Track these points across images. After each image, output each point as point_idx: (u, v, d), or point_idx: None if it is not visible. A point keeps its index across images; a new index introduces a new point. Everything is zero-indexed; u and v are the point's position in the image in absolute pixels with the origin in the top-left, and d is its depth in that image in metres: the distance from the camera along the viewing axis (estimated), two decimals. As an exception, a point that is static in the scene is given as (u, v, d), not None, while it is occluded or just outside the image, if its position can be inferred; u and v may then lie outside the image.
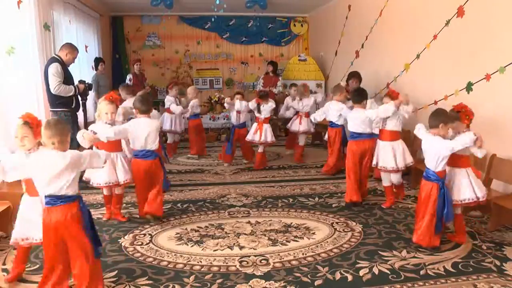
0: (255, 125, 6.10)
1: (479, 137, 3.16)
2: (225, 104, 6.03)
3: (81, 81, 5.29)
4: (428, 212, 3.31)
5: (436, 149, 3.26)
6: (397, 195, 4.58)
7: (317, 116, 5.72)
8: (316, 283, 2.89)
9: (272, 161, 6.63)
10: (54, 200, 2.56)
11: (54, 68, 4.80)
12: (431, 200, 3.29)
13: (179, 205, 4.56)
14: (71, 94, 4.95)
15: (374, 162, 4.45)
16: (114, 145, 3.96)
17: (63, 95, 4.88)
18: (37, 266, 3.12)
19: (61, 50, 5.04)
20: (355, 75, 6.33)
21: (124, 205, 4.43)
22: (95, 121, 3.95)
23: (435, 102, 5.07)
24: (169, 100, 6.63)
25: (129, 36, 9.91)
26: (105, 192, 4.10)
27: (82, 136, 3.49)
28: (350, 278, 2.96)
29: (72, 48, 5.06)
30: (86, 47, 7.36)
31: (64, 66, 4.97)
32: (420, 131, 3.50)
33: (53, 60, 4.93)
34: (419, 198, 3.44)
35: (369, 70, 6.87)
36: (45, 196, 2.58)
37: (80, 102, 5.30)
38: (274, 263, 3.18)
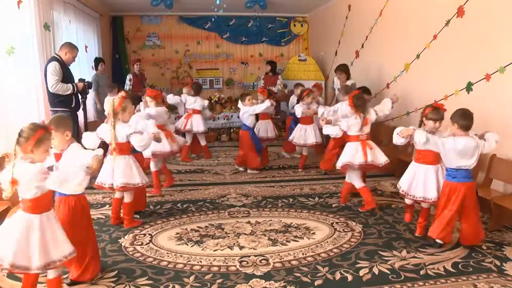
0: (269, 122, 6.25)
1: None
2: (263, 107, 5.76)
3: (80, 80, 5.31)
4: (478, 209, 3.34)
5: (479, 148, 3.25)
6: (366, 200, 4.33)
7: (326, 114, 5.30)
8: (316, 283, 2.89)
9: (272, 161, 6.63)
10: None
11: (52, 66, 4.83)
12: (475, 198, 3.32)
13: (179, 205, 4.56)
14: (69, 92, 4.96)
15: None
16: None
17: (61, 94, 4.90)
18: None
19: (60, 50, 5.05)
20: (339, 68, 6.44)
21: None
22: (104, 121, 3.89)
23: (435, 102, 5.06)
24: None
25: (129, 36, 9.90)
26: (120, 195, 3.94)
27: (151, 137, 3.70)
28: (350, 278, 2.96)
29: (71, 47, 5.07)
30: (86, 47, 7.36)
31: (64, 65, 4.98)
32: (438, 138, 3.26)
33: (52, 59, 4.95)
34: (462, 200, 3.25)
35: (369, 70, 6.88)
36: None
37: (80, 101, 5.31)
38: (274, 263, 3.18)
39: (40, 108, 5.18)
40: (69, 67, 5.15)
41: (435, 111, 3.46)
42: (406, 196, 3.74)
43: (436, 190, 3.49)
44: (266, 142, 6.34)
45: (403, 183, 3.72)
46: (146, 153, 4.51)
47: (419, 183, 3.57)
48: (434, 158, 3.51)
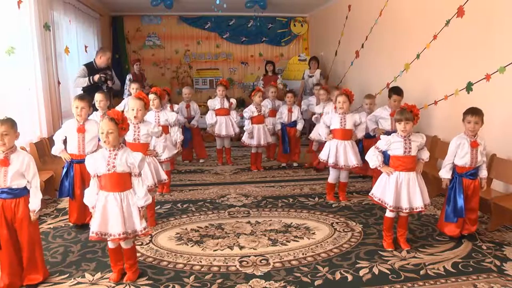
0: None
1: None
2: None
3: (100, 72, 5.63)
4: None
5: None
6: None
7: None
8: (316, 283, 2.89)
9: (272, 161, 6.63)
10: None
11: (79, 69, 5.64)
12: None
13: (179, 205, 4.56)
14: (85, 85, 5.54)
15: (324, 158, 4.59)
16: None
17: (79, 86, 5.61)
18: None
19: (96, 54, 5.85)
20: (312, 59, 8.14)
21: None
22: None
23: (435, 102, 5.07)
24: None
25: (129, 36, 9.91)
26: None
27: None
28: (350, 278, 2.96)
29: (103, 51, 5.85)
30: (86, 47, 7.36)
31: (94, 68, 5.66)
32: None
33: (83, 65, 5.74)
34: (475, 196, 3.50)
35: (369, 70, 6.88)
36: None
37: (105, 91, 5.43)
38: (274, 263, 3.18)
39: (40, 108, 5.19)
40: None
41: (398, 111, 3.32)
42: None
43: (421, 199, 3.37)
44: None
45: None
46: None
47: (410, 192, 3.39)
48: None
